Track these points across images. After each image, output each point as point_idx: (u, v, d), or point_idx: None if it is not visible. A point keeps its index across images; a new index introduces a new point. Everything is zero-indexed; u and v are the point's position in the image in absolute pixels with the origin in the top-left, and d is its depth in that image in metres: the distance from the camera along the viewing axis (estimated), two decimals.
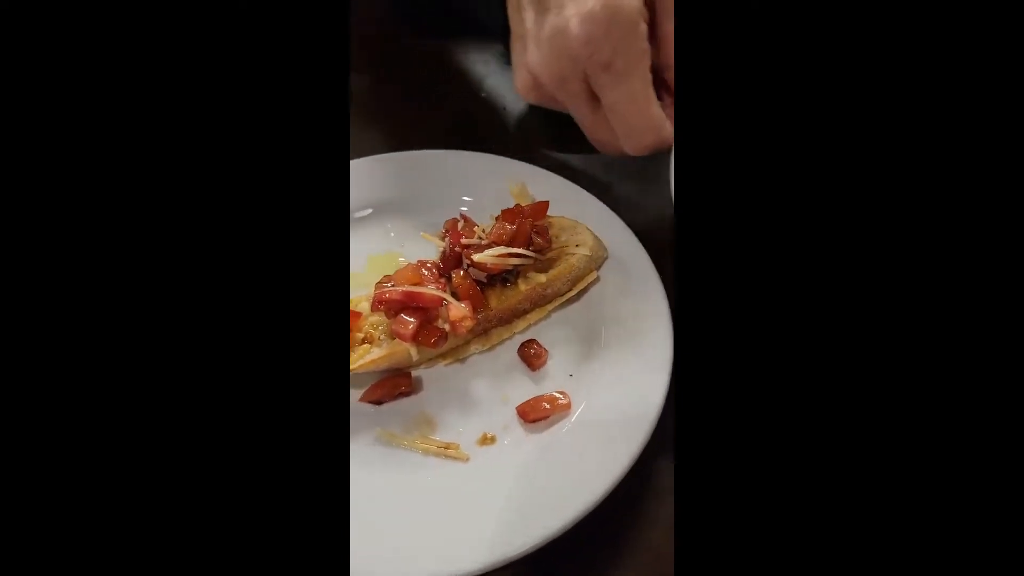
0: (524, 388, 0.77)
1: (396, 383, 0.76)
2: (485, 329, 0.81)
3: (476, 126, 1.15)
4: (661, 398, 0.70)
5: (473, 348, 0.80)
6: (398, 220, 0.94)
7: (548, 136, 1.12)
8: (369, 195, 0.95)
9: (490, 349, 0.81)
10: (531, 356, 0.79)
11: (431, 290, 0.74)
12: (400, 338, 0.74)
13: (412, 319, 0.74)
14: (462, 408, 0.76)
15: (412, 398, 0.77)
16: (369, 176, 0.96)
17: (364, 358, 0.76)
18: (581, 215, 0.88)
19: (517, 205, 0.83)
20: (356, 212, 0.94)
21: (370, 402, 0.76)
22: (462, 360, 0.80)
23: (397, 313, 0.74)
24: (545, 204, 0.85)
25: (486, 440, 0.73)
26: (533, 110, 1.06)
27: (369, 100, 1.23)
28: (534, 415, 0.73)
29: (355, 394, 0.76)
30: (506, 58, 1.29)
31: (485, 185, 0.94)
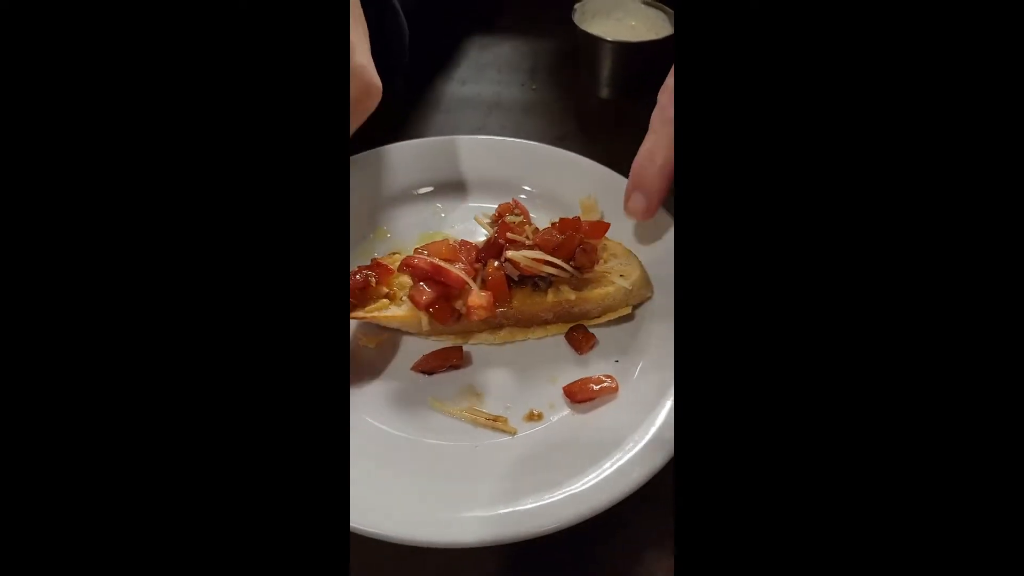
0: (571, 370, 0.78)
1: (448, 355, 0.79)
2: (500, 324, 0.82)
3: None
4: None
5: (483, 337, 0.82)
6: (457, 200, 0.97)
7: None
8: (432, 174, 0.98)
9: (500, 344, 0.82)
10: (579, 340, 0.81)
11: (456, 270, 0.76)
12: (414, 304, 0.77)
13: (431, 291, 0.76)
14: (509, 385, 0.78)
15: (461, 371, 0.79)
16: (434, 156, 0.99)
17: (379, 311, 0.79)
18: (646, 244, 0.87)
19: (577, 218, 0.82)
20: (417, 189, 0.98)
21: (421, 371, 0.78)
22: (511, 341, 0.82)
23: (420, 280, 0.77)
24: (605, 226, 0.84)
25: (533, 416, 0.75)
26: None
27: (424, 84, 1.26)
28: (581, 396, 0.75)
29: (407, 362, 0.79)
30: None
31: (560, 182, 0.96)
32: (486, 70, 1.32)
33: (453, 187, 0.98)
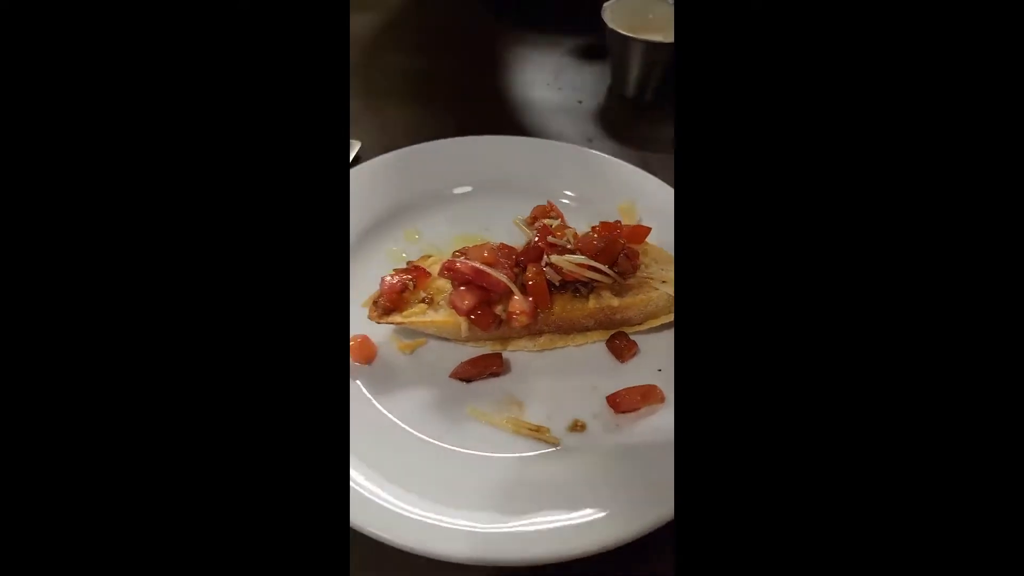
0: (612, 379, 0.76)
1: (487, 362, 0.76)
2: (540, 331, 0.80)
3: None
4: None
5: (522, 344, 0.80)
6: (494, 201, 0.95)
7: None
8: (469, 173, 0.96)
9: (539, 351, 0.79)
10: (620, 348, 0.78)
11: (500, 275, 0.74)
12: (455, 310, 0.75)
13: (472, 296, 0.74)
14: (550, 393, 0.75)
15: (500, 379, 0.77)
16: (471, 155, 0.98)
17: (418, 316, 0.77)
18: None
19: (617, 222, 0.81)
20: (456, 188, 0.96)
21: (460, 379, 0.75)
22: (551, 348, 0.80)
23: (461, 285, 0.75)
24: (646, 230, 0.82)
25: (576, 426, 0.72)
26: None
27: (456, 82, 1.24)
28: (625, 406, 0.72)
29: (444, 369, 0.76)
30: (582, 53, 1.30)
31: (596, 185, 0.94)
32: (512, 66, 1.30)
33: (487, 187, 0.96)
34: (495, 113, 1.18)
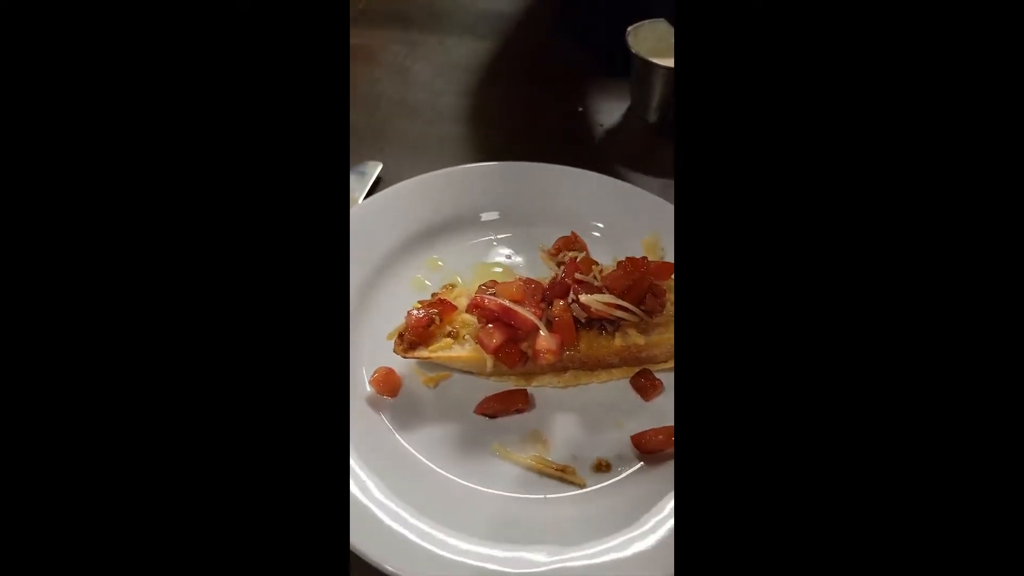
0: (637, 417, 0.75)
1: (513, 399, 0.75)
2: (565, 367, 0.79)
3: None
4: None
5: (547, 380, 0.79)
6: (517, 229, 0.94)
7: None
8: (492, 200, 0.96)
9: (563, 387, 0.79)
10: (645, 387, 0.78)
11: (528, 314, 0.73)
12: (483, 347, 0.74)
13: (500, 333, 0.73)
14: (575, 431, 0.75)
15: (525, 415, 0.76)
16: (494, 181, 0.97)
17: (444, 351, 0.76)
18: None
19: (643, 258, 0.80)
20: (483, 214, 0.95)
21: (484, 415, 0.75)
22: (575, 384, 0.79)
23: (488, 322, 0.74)
24: (671, 267, 0.82)
25: (601, 467, 0.72)
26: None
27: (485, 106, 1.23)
28: (651, 446, 0.72)
29: (468, 404, 0.76)
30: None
31: (620, 216, 0.93)
32: (533, 85, 1.29)
33: (511, 215, 0.95)
34: (516, 135, 1.18)
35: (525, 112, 1.23)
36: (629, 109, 1.22)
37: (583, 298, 0.74)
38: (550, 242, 0.90)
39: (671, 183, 1.07)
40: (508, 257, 0.92)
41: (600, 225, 0.94)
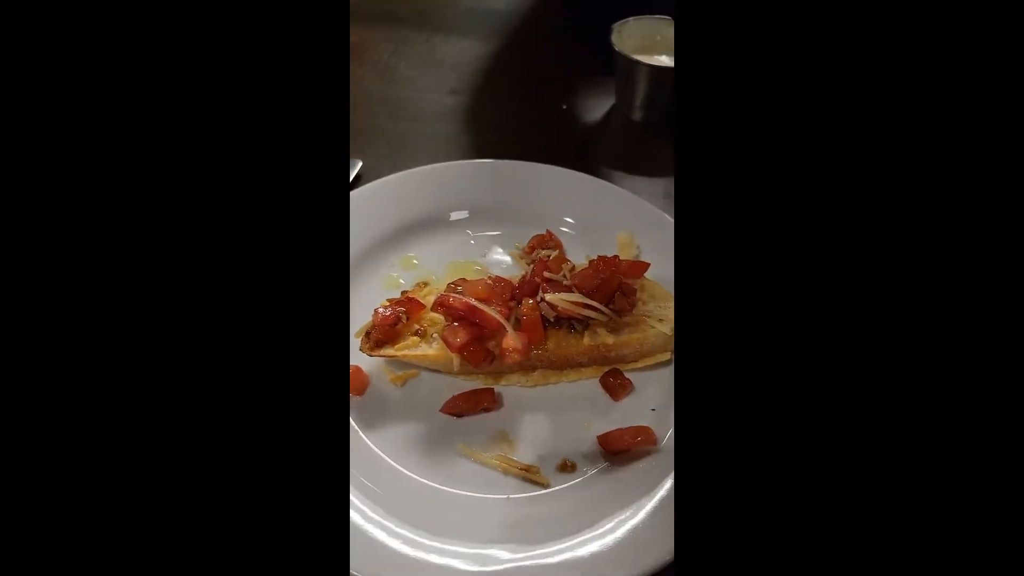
0: (605, 417, 0.75)
1: (480, 398, 0.75)
2: (533, 366, 0.79)
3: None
4: None
5: (515, 379, 0.79)
6: (493, 227, 0.94)
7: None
8: (468, 197, 0.95)
9: (532, 386, 0.78)
10: (614, 387, 0.77)
11: (494, 312, 0.73)
12: (448, 346, 0.74)
13: (465, 332, 0.73)
14: (542, 431, 0.74)
15: (492, 415, 0.76)
16: (470, 179, 0.96)
17: (411, 349, 0.76)
18: None
19: (615, 256, 0.79)
20: (453, 213, 0.94)
21: (451, 414, 0.75)
22: (544, 384, 0.79)
23: (454, 321, 0.74)
24: (644, 266, 0.81)
25: (566, 467, 0.72)
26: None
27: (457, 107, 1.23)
28: (617, 446, 0.71)
29: (435, 403, 0.76)
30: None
31: (597, 214, 0.93)
32: (518, 83, 1.28)
33: (485, 213, 0.94)
34: (500, 132, 1.17)
35: (509, 110, 1.23)
36: (613, 107, 1.21)
37: (548, 297, 0.74)
38: (525, 240, 0.90)
39: (655, 180, 1.06)
40: (484, 255, 0.91)
41: (574, 222, 0.94)
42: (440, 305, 0.74)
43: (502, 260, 0.91)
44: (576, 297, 0.74)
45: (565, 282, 0.76)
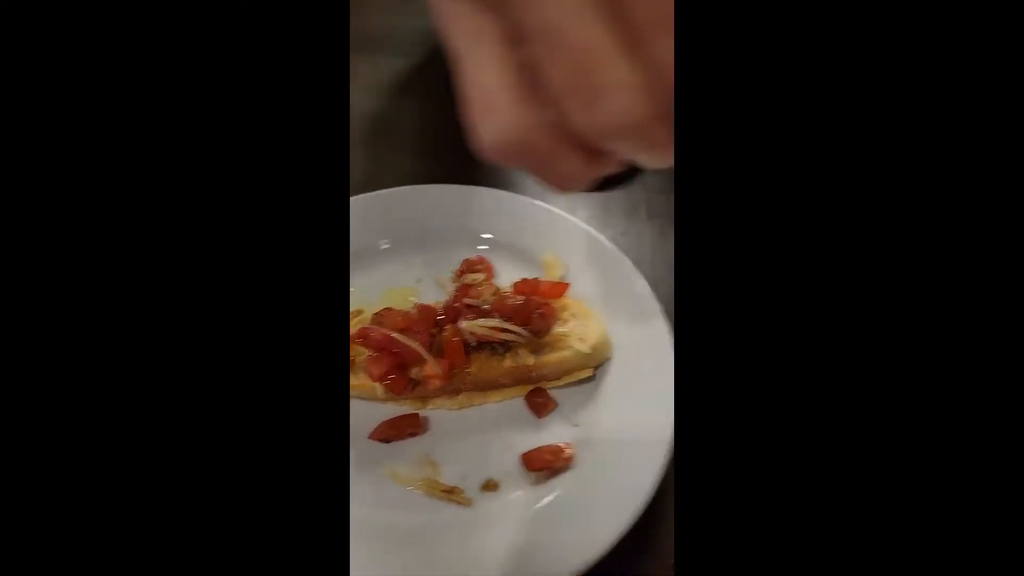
0: (529, 436, 0.78)
1: (405, 424, 0.78)
2: (458, 389, 0.81)
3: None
4: (664, 458, 0.71)
5: (441, 403, 0.81)
6: (422, 253, 0.95)
7: None
8: (393, 227, 0.96)
9: (458, 409, 0.81)
10: (538, 405, 0.80)
11: (410, 341, 0.76)
12: (369, 376, 0.77)
13: (384, 363, 0.76)
14: (467, 452, 0.77)
15: (419, 438, 0.79)
16: (392, 208, 0.97)
17: None
18: (612, 295, 0.86)
19: (536, 279, 0.82)
20: (380, 243, 0.95)
21: (379, 440, 0.78)
22: (469, 406, 0.82)
23: (375, 350, 0.77)
24: (563, 287, 0.84)
25: (489, 486, 0.75)
26: None
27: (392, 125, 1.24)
28: (537, 464, 0.75)
29: (364, 429, 0.78)
30: None
31: (523, 233, 0.94)
32: (455, 101, 1.30)
33: (411, 240, 0.95)
34: (438, 155, 1.18)
35: (447, 130, 1.24)
36: None
37: (464, 324, 0.77)
38: (457, 263, 0.92)
39: (597, 198, 1.07)
40: (418, 280, 0.94)
41: (497, 239, 0.95)
42: (359, 337, 0.77)
43: (435, 284, 0.93)
44: (494, 322, 0.77)
45: (485, 307, 0.79)
